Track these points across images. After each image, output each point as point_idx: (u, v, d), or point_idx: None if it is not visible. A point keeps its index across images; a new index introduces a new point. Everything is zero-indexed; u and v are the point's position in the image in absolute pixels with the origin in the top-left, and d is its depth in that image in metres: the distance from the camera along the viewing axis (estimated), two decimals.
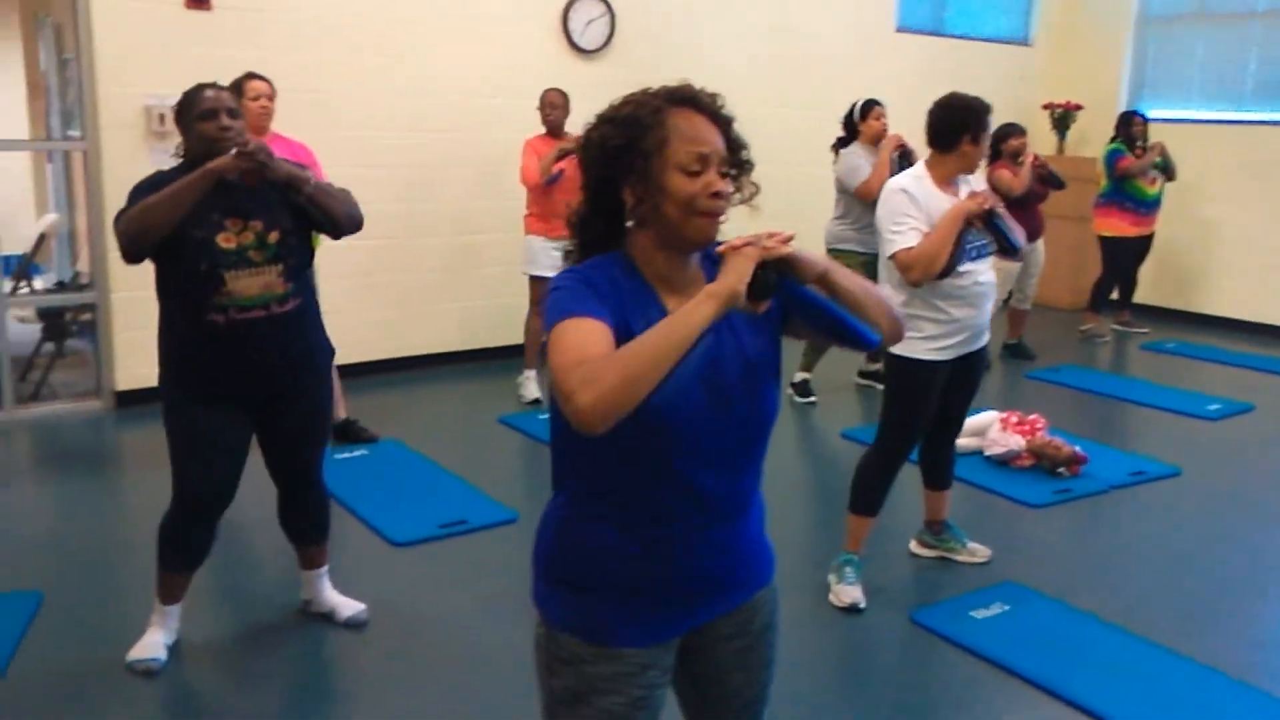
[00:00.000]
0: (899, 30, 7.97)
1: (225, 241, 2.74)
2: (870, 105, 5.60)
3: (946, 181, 3.34)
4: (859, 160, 5.51)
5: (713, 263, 1.58)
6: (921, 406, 3.43)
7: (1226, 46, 8.25)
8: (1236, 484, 4.77)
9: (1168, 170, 7.37)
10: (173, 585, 3.05)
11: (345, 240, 3.08)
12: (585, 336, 1.39)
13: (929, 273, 3.21)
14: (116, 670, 2.95)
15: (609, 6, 6.43)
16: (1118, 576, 3.75)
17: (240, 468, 2.96)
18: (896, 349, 3.35)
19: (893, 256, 3.25)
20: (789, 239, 1.46)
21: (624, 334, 1.44)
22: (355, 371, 5.81)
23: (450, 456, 4.75)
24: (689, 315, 1.36)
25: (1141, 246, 7.60)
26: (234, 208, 2.77)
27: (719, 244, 1.55)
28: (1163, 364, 7.07)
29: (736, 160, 1.54)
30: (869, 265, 5.54)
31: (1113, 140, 7.45)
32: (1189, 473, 4.82)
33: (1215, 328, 8.09)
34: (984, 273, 3.38)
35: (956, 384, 3.49)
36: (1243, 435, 5.51)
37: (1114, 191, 7.38)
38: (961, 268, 3.27)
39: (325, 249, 3.05)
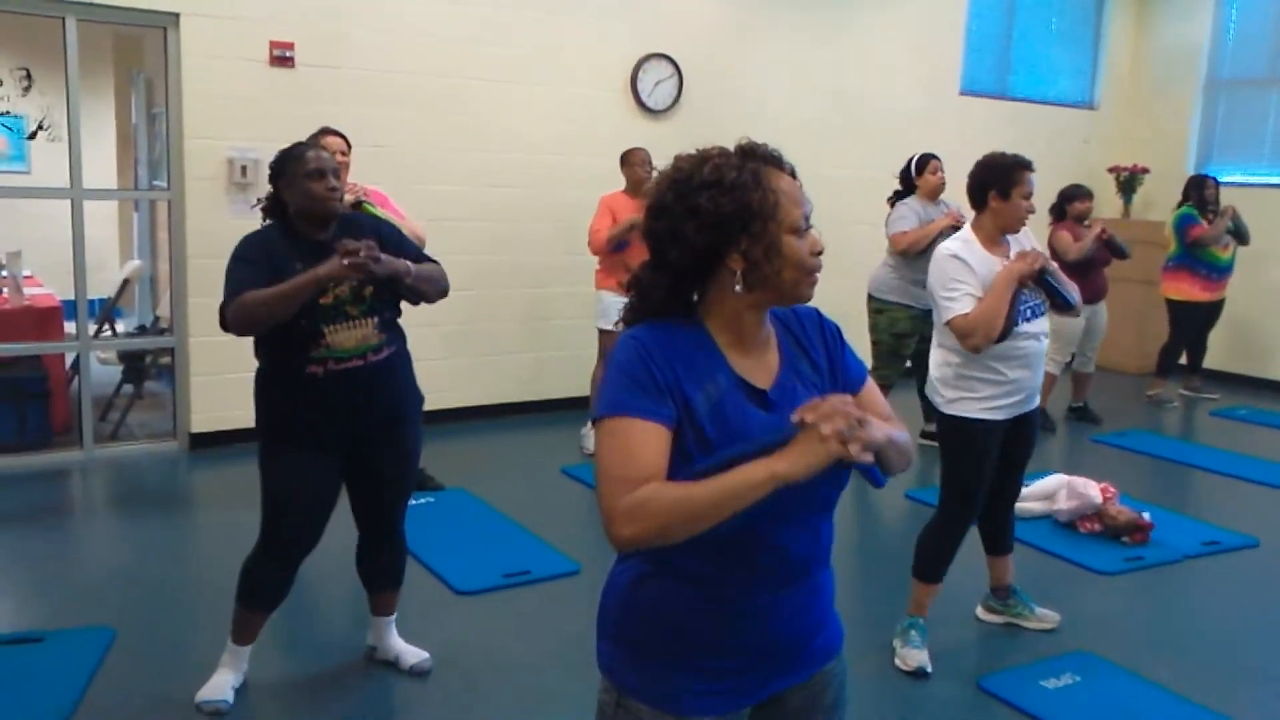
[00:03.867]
0: (963, 93, 8.00)
1: (323, 299, 2.83)
2: (926, 159, 5.62)
3: (993, 241, 3.35)
4: (908, 212, 5.54)
5: (779, 319, 1.61)
6: (979, 467, 3.40)
7: None
8: None
9: (1240, 234, 7.24)
10: (249, 625, 3.10)
11: None
12: (637, 445, 1.41)
13: (989, 337, 3.20)
14: (185, 710, 3.00)
15: (677, 68, 6.54)
16: (1195, 650, 3.66)
17: (328, 515, 3.03)
18: (952, 410, 3.37)
19: (949, 323, 3.26)
20: (873, 438, 1.39)
21: (684, 411, 1.45)
22: (426, 420, 5.88)
23: (514, 506, 4.79)
24: (747, 487, 1.36)
25: (1211, 311, 7.46)
26: None
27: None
28: (1233, 430, 6.93)
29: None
30: (917, 320, 5.53)
31: (1182, 204, 7.36)
32: (1267, 544, 4.70)
33: None
34: (1039, 334, 3.37)
35: (1011, 447, 3.48)
36: None
37: (1184, 256, 7.27)
38: (1017, 329, 3.27)
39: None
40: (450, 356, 6.16)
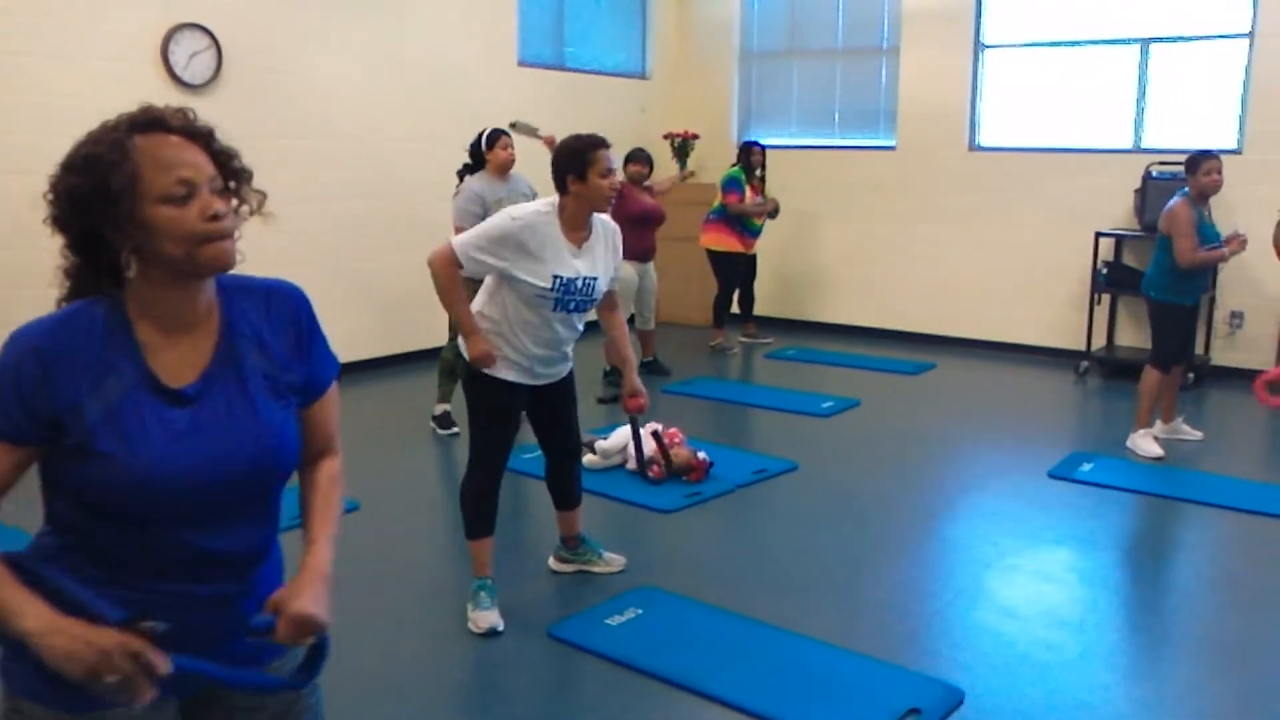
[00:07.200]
0: (521, 64, 8.15)
1: None
2: (497, 135, 5.55)
3: (575, 225, 3.36)
4: (473, 196, 5.41)
5: (226, 291, 1.51)
6: (501, 422, 3.50)
7: (816, 80, 9.12)
8: (846, 472, 5.24)
9: (774, 215, 8.12)
10: None
11: None
12: None
13: (433, 275, 3.34)
14: None
15: (214, 39, 6.10)
16: (743, 569, 4.00)
17: None
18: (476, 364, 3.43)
19: (451, 241, 3.32)
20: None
21: (70, 414, 1.36)
22: None
23: None
24: (11, 615, 1.32)
25: (749, 263, 8.23)
26: None
27: (249, 281, 1.54)
28: (784, 370, 7.67)
29: (231, 172, 1.45)
30: None
31: (734, 165, 8.02)
32: (805, 466, 5.23)
33: (829, 334, 8.88)
34: (572, 334, 3.50)
35: (546, 410, 3.62)
36: (851, 428, 6.07)
37: (724, 211, 7.93)
38: (554, 312, 3.37)
39: None
40: None
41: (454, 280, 3.33)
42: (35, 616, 1.30)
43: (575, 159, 3.33)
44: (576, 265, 3.36)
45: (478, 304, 3.44)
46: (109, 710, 1.40)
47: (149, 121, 1.40)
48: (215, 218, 1.38)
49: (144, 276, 1.40)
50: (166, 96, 5.83)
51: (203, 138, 1.43)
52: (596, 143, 3.36)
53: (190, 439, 1.41)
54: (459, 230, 5.35)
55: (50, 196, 1.40)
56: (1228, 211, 5.49)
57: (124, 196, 1.34)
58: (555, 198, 3.40)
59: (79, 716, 1.41)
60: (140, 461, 1.37)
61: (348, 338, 6.81)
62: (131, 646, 1.29)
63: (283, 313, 1.56)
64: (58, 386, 1.35)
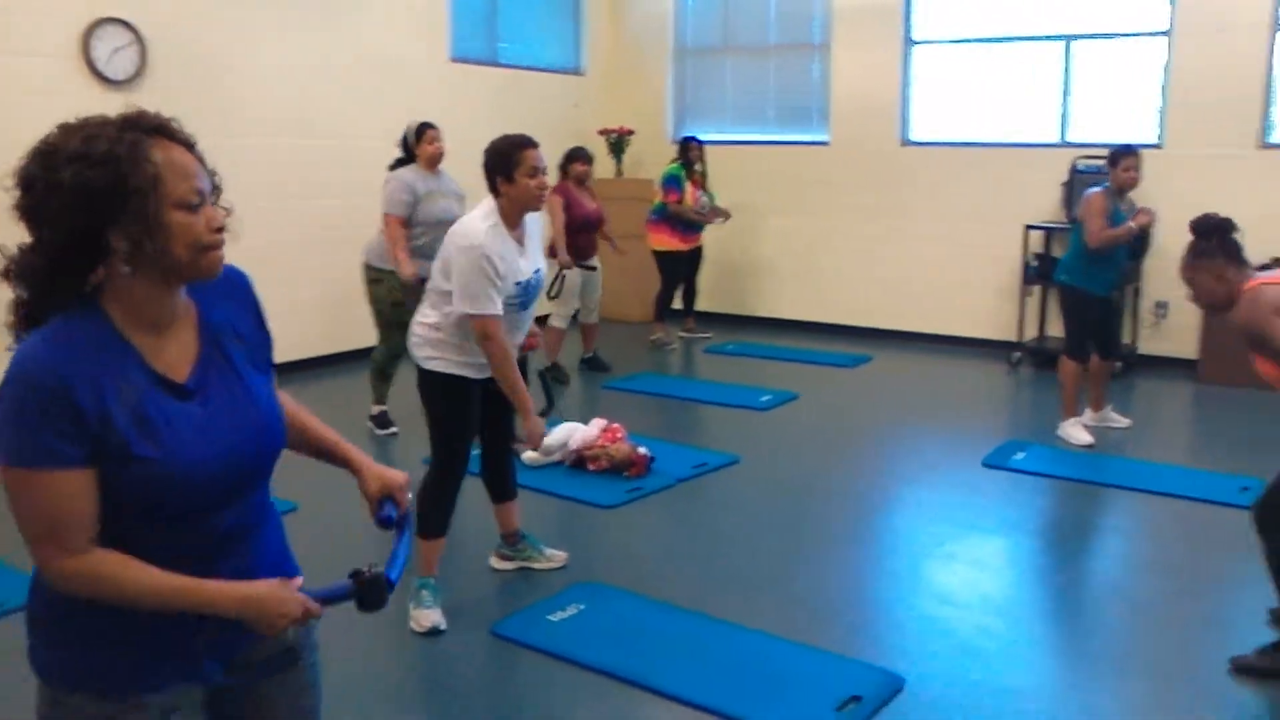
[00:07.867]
0: (454, 60, 8.09)
1: None
2: (424, 129, 5.50)
3: (512, 223, 3.37)
4: (401, 186, 5.36)
5: (197, 290, 1.53)
6: (461, 419, 3.50)
7: (750, 76, 9.17)
8: (785, 465, 5.28)
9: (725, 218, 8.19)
10: None
11: None
12: (57, 500, 1.36)
13: (487, 345, 3.30)
14: None
15: (137, 34, 5.96)
16: (684, 562, 4.01)
17: None
18: (430, 366, 3.43)
19: (473, 319, 3.28)
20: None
21: (102, 427, 1.37)
22: None
23: None
24: (205, 603, 1.43)
25: (692, 258, 8.25)
26: None
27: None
28: (724, 364, 7.71)
29: (213, 186, 1.49)
30: (410, 289, 5.34)
31: (673, 161, 8.03)
32: (745, 459, 5.26)
33: (768, 328, 8.94)
34: (527, 318, 3.51)
35: (490, 402, 3.59)
36: (790, 421, 6.12)
37: (664, 210, 7.95)
38: (523, 312, 3.44)
39: None
40: None
41: (510, 353, 3.35)
42: (221, 594, 1.44)
43: (501, 160, 3.33)
44: (523, 265, 3.41)
45: (428, 317, 3.42)
46: (145, 694, 1.49)
47: (153, 127, 1.42)
48: (221, 229, 1.45)
49: (137, 278, 1.41)
50: (88, 93, 5.77)
51: (194, 148, 1.47)
52: (522, 143, 3.36)
53: (208, 429, 1.47)
54: (387, 217, 5.33)
55: (41, 190, 1.36)
56: (1150, 204, 5.62)
57: (145, 195, 1.36)
58: (492, 202, 3.39)
59: (126, 702, 1.47)
60: (175, 458, 1.41)
61: (285, 337, 6.70)
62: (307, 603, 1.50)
63: (243, 296, 1.63)
64: (84, 400, 1.36)
